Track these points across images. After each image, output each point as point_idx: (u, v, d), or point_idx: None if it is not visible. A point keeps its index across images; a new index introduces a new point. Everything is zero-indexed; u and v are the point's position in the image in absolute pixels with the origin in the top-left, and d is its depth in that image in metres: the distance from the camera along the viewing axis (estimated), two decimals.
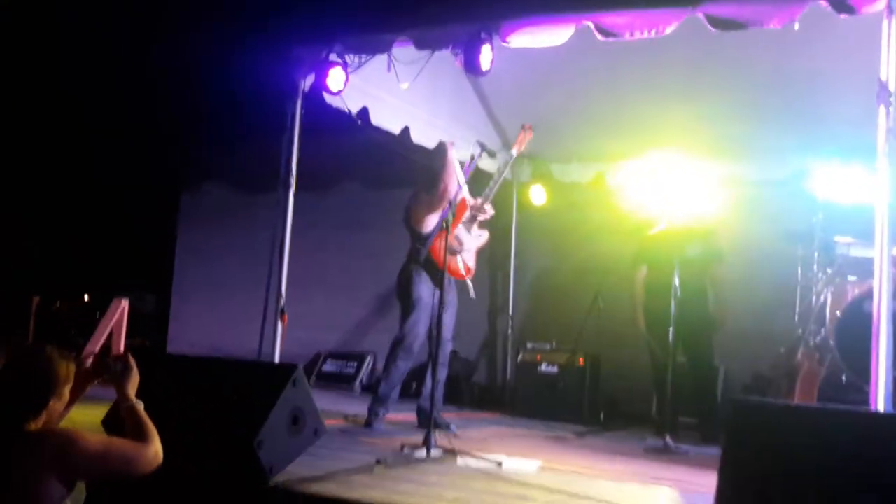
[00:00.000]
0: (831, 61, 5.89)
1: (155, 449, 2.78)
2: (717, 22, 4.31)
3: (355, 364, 8.75)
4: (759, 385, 6.01)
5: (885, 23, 3.94)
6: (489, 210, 6.03)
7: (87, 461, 2.60)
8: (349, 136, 6.79)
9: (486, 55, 4.86)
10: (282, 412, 3.76)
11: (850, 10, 3.97)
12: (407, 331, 5.90)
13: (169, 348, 9.72)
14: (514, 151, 6.24)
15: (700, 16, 4.33)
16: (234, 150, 8.66)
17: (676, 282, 5.76)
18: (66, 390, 2.78)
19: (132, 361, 2.98)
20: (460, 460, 4.55)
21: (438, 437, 4.74)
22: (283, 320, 5.57)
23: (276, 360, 5.57)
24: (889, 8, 3.87)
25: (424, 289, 5.85)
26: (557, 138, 7.71)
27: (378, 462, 4.29)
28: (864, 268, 5.92)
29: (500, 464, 4.47)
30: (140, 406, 2.91)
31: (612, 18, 4.56)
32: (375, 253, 8.63)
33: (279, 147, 6.00)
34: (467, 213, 6.00)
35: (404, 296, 5.91)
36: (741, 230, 6.78)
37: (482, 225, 6.10)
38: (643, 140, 6.92)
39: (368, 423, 5.84)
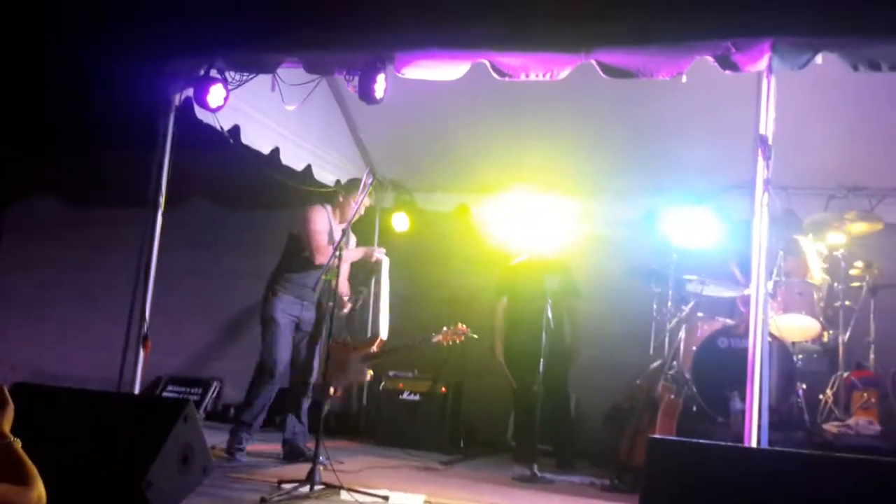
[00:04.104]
0: (681, 112, 6.32)
1: (38, 493, 2.50)
2: (608, 69, 4.50)
3: (200, 390, 8.36)
4: (618, 415, 6.27)
5: (764, 81, 4.24)
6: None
7: None
8: (207, 152, 6.51)
9: (380, 84, 4.84)
10: (172, 450, 3.53)
11: (734, 67, 4.26)
12: (264, 354, 5.80)
13: None
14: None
15: (592, 62, 4.51)
16: (77, 162, 8.08)
17: (549, 314, 5.94)
18: None
19: (6, 394, 2.70)
20: (345, 495, 4.44)
21: (322, 471, 4.60)
22: (145, 347, 5.25)
23: (137, 389, 5.25)
24: (769, 67, 4.18)
25: (280, 312, 5.78)
26: (421, 167, 7.80)
27: (263, 501, 4.11)
28: (713, 306, 6.38)
29: (386, 498, 4.40)
30: (18, 444, 2.63)
31: (508, 59, 4.67)
32: (228, 274, 8.33)
33: (128, 160, 5.67)
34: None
35: (261, 318, 5.86)
36: (599, 266, 7.10)
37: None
38: (504, 175, 7.13)
39: (231, 453, 5.59)
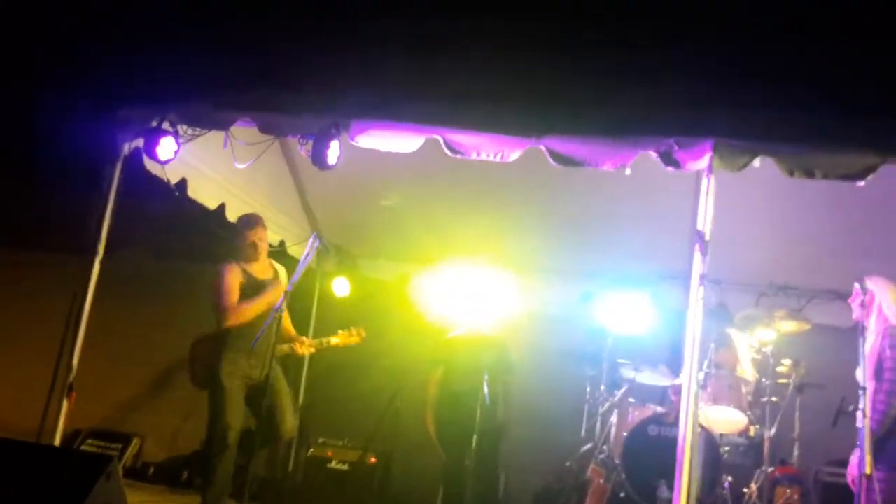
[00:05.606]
0: (622, 200, 6.50)
1: None
2: (557, 156, 4.60)
3: (120, 446, 8.08)
4: (548, 496, 6.26)
5: (704, 180, 4.40)
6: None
7: None
8: (151, 203, 6.43)
9: (334, 150, 4.88)
10: None
11: (676, 164, 4.40)
12: (213, 422, 5.35)
13: None
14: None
15: (542, 148, 4.63)
16: (17, 202, 7.91)
17: (486, 390, 5.93)
18: None
19: None
20: None
21: None
22: (69, 399, 5.09)
23: (58, 441, 5.07)
24: (709, 167, 4.34)
25: (227, 375, 5.41)
26: (366, 234, 7.83)
27: None
28: (645, 392, 6.47)
29: None
30: None
31: (462, 137, 4.76)
32: (162, 327, 8.14)
33: (70, 204, 5.60)
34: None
35: (208, 383, 5.47)
36: (535, 344, 7.13)
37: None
38: (447, 247, 7.15)
39: None
